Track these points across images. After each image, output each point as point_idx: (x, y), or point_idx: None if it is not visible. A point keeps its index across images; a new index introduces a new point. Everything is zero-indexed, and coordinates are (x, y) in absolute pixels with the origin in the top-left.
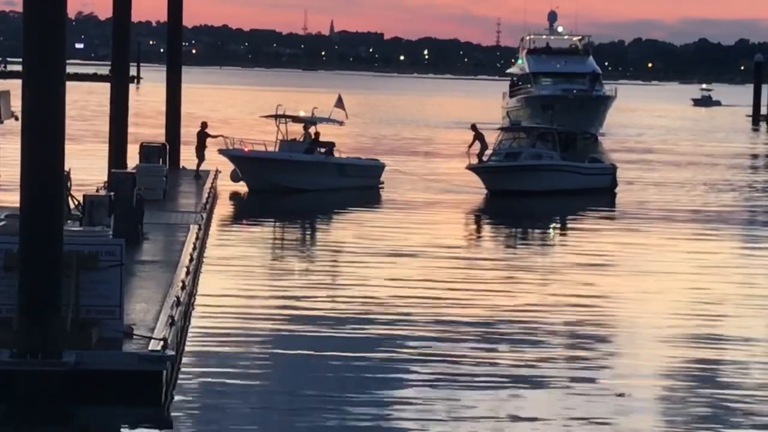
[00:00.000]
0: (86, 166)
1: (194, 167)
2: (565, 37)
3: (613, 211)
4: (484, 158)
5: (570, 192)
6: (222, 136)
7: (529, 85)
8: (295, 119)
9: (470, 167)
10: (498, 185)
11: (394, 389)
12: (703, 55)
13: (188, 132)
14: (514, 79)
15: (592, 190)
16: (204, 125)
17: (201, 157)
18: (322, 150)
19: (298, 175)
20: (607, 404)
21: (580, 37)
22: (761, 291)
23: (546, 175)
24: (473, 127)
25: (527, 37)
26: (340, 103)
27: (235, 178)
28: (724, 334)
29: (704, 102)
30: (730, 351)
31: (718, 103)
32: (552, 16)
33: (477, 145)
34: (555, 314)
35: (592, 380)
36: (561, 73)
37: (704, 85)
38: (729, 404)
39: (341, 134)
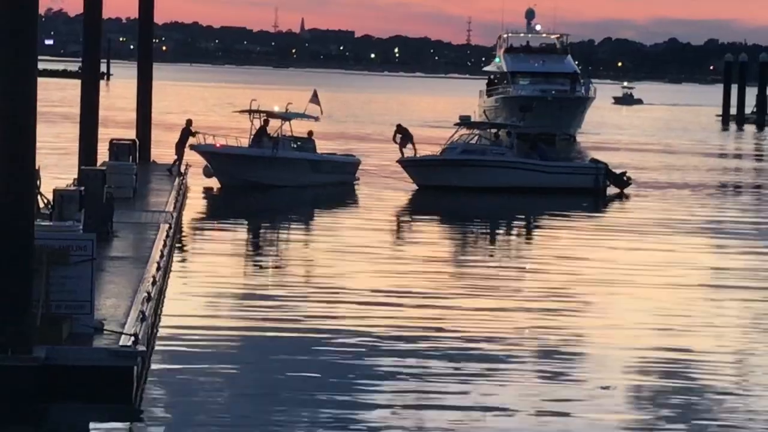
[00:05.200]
0: (55, 163)
1: (168, 161)
2: (543, 35)
3: (569, 213)
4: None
5: (530, 190)
6: (199, 132)
7: (506, 85)
8: (269, 115)
9: (399, 161)
10: (424, 180)
11: (363, 389)
12: (673, 55)
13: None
14: (491, 77)
15: (567, 190)
16: (189, 123)
17: (180, 153)
18: (296, 144)
19: (271, 171)
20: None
21: (558, 36)
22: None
23: (487, 172)
24: (399, 127)
25: (504, 35)
26: (315, 99)
27: (207, 173)
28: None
29: (625, 100)
30: (701, 362)
31: (639, 102)
32: (530, 14)
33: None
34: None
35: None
36: (539, 72)
37: (625, 83)
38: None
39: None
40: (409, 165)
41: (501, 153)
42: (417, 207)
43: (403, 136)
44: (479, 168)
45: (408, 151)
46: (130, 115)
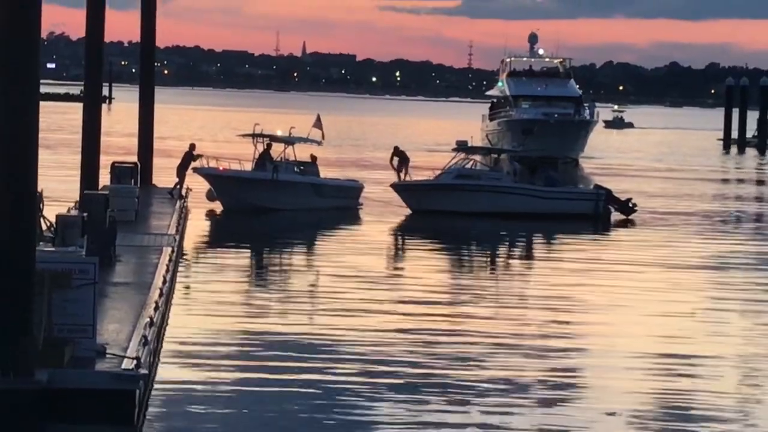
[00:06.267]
0: (57, 187)
1: (169, 185)
2: (546, 59)
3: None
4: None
5: (527, 216)
6: (202, 155)
7: (509, 108)
8: (273, 139)
9: (393, 185)
10: (418, 205)
11: (364, 416)
12: (674, 79)
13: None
14: (494, 101)
15: (565, 216)
16: (192, 147)
17: (182, 176)
18: (299, 169)
19: (273, 195)
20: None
21: (561, 60)
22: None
23: (482, 197)
24: (396, 150)
25: (507, 60)
26: (318, 123)
27: (210, 197)
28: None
29: (616, 124)
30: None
31: (630, 125)
32: (533, 39)
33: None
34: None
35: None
36: (542, 96)
37: (616, 107)
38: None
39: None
40: (403, 189)
41: (496, 178)
42: (418, 232)
43: (401, 159)
44: (474, 193)
45: (402, 175)
46: (130, 140)
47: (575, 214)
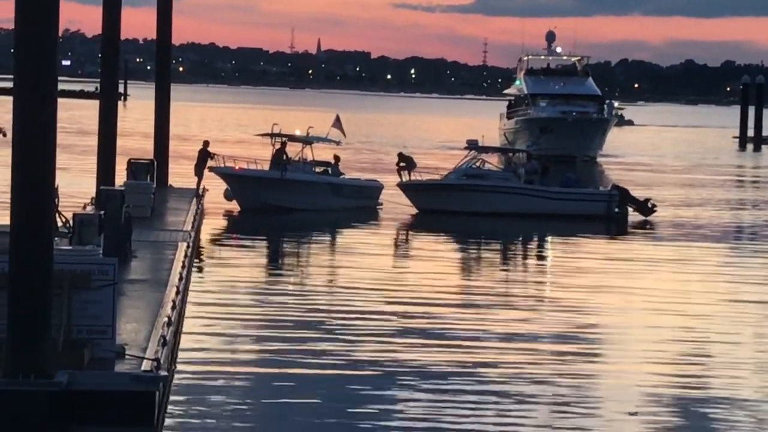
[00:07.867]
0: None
1: (184, 185)
2: (564, 57)
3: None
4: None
5: (536, 216)
6: (217, 154)
7: (527, 107)
8: (291, 138)
9: (399, 185)
10: (424, 204)
11: (381, 414)
12: (690, 77)
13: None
14: (512, 100)
15: (575, 217)
16: (206, 144)
17: (200, 175)
18: (319, 169)
19: (291, 195)
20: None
21: (579, 58)
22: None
23: (488, 197)
24: (400, 156)
25: (525, 58)
26: (337, 123)
27: (228, 196)
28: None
29: (617, 121)
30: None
31: (630, 123)
32: (550, 37)
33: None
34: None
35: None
36: (560, 94)
37: (617, 104)
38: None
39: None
40: (410, 189)
41: (504, 178)
42: (426, 231)
43: (407, 164)
44: (480, 193)
45: (406, 177)
46: (142, 142)
47: (586, 215)
